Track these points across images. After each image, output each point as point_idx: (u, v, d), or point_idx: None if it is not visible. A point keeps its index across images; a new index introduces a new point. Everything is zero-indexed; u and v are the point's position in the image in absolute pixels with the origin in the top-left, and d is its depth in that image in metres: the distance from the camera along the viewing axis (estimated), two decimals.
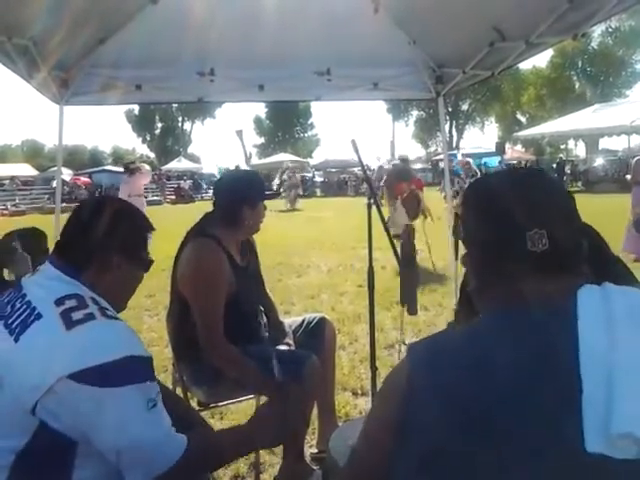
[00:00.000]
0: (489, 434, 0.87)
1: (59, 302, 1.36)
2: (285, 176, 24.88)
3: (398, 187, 8.92)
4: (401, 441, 0.94)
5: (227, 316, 2.52)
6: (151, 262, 1.70)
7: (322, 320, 3.00)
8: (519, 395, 0.88)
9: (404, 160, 10.59)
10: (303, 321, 3.03)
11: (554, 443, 0.85)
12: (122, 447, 1.30)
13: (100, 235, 1.50)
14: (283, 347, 2.79)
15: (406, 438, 0.94)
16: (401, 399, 0.96)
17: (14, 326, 1.35)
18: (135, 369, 1.33)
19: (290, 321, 3.08)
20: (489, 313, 1.06)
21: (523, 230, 0.97)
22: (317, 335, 2.91)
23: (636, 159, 8.31)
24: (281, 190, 23.88)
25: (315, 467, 2.79)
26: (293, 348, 2.81)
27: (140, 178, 11.20)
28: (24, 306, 1.39)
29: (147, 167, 11.80)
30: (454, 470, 0.89)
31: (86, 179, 34.90)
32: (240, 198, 2.64)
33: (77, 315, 1.33)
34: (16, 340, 1.33)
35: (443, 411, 0.91)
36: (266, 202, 2.73)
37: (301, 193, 25.24)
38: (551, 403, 0.87)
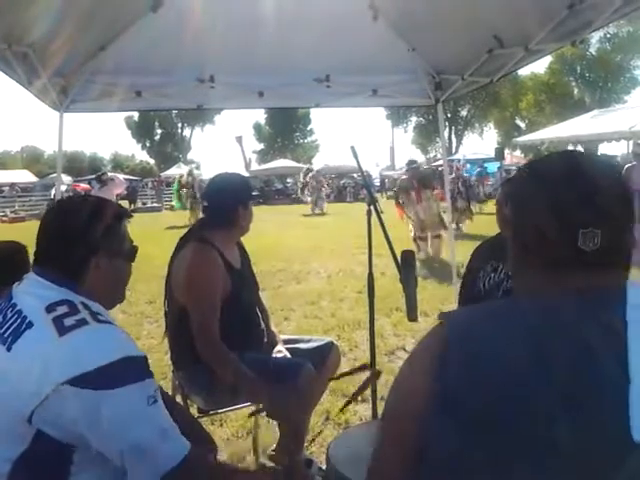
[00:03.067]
0: (529, 416, 0.87)
1: (50, 309, 1.35)
2: (309, 179, 24.37)
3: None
4: (441, 407, 0.92)
5: (226, 318, 2.53)
6: (135, 252, 1.66)
7: (329, 344, 2.98)
8: (561, 377, 0.87)
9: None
10: (309, 340, 3.02)
11: (598, 428, 0.85)
12: (126, 447, 1.29)
13: (71, 239, 1.48)
14: (279, 354, 2.79)
15: (446, 403, 0.91)
16: (438, 367, 0.93)
17: (6, 335, 1.35)
18: (132, 369, 1.32)
19: (296, 338, 3.07)
20: (527, 294, 1.03)
21: (578, 227, 0.93)
22: (321, 357, 2.85)
23: (626, 167, 8.33)
24: (306, 194, 23.69)
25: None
26: (288, 355, 2.80)
27: (113, 187, 12.25)
28: (15, 315, 1.38)
29: (121, 177, 13.20)
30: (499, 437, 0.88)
31: (85, 185, 34.85)
32: (234, 199, 2.69)
33: (69, 321, 1.32)
34: (8, 349, 1.32)
35: (481, 380, 0.90)
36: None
37: (324, 197, 24.45)
38: (594, 389, 0.86)
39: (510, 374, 0.89)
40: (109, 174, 13.18)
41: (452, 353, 0.93)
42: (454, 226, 12.06)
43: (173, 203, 20.28)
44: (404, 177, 10.61)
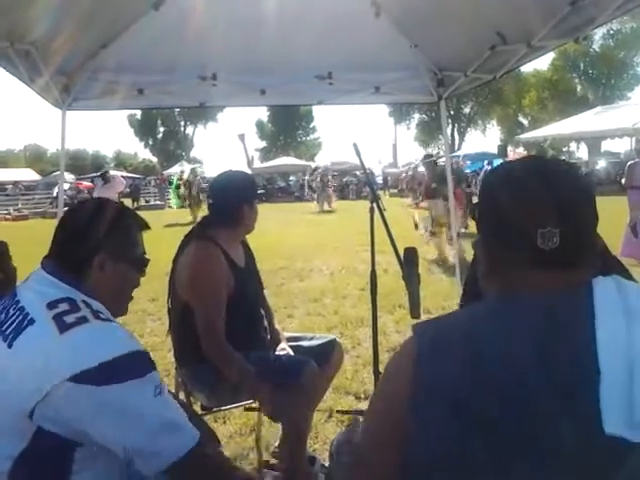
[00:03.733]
0: (507, 410, 0.89)
1: (51, 306, 1.35)
2: (316, 177, 24.61)
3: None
4: (414, 417, 0.95)
5: (229, 317, 2.52)
6: (144, 262, 1.66)
7: (332, 342, 2.96)
8: (532, 374, 0.89)
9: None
10: (312, 338, 3.01)
11: (570, 419, 0.86)
12: (131, 440, 1.29)
13: (82, 237, 1.51)
14: (283, 352, 2.79)
15: (417, 414, 0.95)
16: (409, 378, 0.98)
17: (8, 332, 1.35)
18: (134, 364, 1.33)
19: (299, 335, 3.07)
20: (496, 296, 1.07)
21: (536, 226, 0.96)
22: (324, 354, 2.84)
23: (629, 164, 8.28)
24: (314, 192, 23.98)
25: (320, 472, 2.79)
26: (292, 353, 2.80)
27: (116, 185, 13.31)
28: (17, 312, 1.38)
29: (120, 177, 14.32)
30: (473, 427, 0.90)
31: (88, 183, 34.86)
32: (239, 197, 2.67)
33: (70, 318, 1.33)
34: (9, 346, 1.33)
35: (451, 388, 0.93)
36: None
37: (330, 194, 24.60)
38: (565, 381, 0.88)
39: (477, 376, 0.92)
40: (111, 172, 14.37)
41: (421, 369, 0.98)
42: (461, 228, 11.92)
43: (172, 202, 20.56)
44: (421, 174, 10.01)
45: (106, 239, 1.52)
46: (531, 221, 0.97)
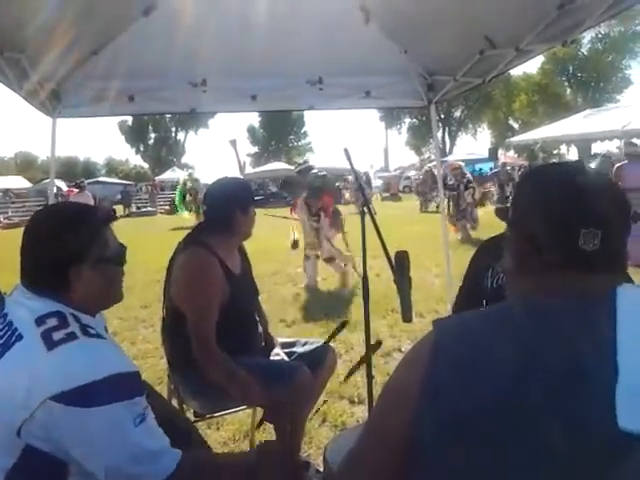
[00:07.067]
0: (520, 405, 0.89)
1: (39, 322, 1.33)
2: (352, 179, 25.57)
3: (325, 200, 7.93)
4: (427, 406, 0.94)
5: (223, 324, 2.51)
6: (121, 253, 1.56)
7: (325, 347, 2.95)
8: (553, 381, 0.90)
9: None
10: (305, 343, 3.00)
11: (585, 413, 0.88)
12: (110, 465, 1.28)
13: (45, 253, 1.42)
14: (277, 357, 2.79)
15: (432, 402, 0.94)
16: (426, 367, 0.97)
17: None
18: (119, 387, 1.30)
19: (292, 340, 3.06)
20: (522, 296, 1.07)
21: (579, 227, 0.97)
22: (317, 359, 2.83)
23: (617, 166, 8.34)
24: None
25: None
26: (286, 359, 2.80)
27: (84, 198, 14.42)
28: (6, 327, 1.37)
29: (88, 193, 15.95)
30: (483, 437, 0.90)
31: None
32: (232, 204, 2.66)
33: (58, 335, 1.31)
34: None
35: (470, 382, 0.93)
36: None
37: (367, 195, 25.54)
38: (582, 379, 0.89)
39: (502, 378, 0.92)
40: (85, 181, 17.06)
41: (439, 358, 0.97)
42: (458, 235, 11.90)
43: (176, 205, 20.39)
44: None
45: (79, 249, 1.44)
46: (576, 219, 0.98)
